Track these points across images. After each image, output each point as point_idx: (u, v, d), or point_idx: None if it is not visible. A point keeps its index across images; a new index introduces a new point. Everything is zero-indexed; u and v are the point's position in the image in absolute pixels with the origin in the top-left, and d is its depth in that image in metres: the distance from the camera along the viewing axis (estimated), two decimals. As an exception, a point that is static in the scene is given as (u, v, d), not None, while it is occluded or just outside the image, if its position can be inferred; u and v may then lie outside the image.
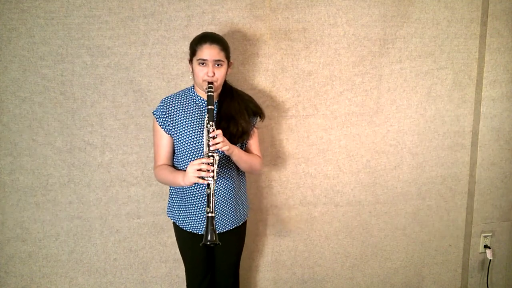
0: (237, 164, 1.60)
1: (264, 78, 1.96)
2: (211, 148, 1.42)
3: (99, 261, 1.97)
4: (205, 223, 1.44)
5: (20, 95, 1.78)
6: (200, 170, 1.40)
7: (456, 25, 2.10)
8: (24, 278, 1.93)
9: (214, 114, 1.50)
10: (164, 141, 1.61)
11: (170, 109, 1.59)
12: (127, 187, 1.93)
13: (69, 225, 1.92)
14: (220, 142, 1.42)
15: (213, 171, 1.40)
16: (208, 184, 1.40)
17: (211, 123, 1.44)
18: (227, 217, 1.66)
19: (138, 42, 1.82)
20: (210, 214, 1.37)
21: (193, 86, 1.65)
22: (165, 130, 1.59)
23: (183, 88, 1.77)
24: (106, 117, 1.86)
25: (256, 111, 1.69)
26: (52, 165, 1.85)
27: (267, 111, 1.94)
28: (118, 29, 1.79)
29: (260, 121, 1.72)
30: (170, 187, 1.70)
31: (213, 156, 1.42)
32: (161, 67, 1.85)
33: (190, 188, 1.60)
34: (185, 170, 1.46)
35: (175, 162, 1.65)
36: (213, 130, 1.43)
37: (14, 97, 1.78)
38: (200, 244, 1.37)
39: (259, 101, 1.83)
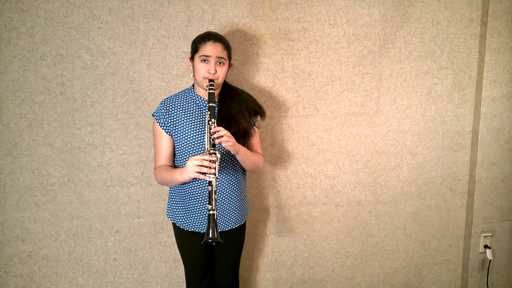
0: (242, 163, 1.60)
1: (264, 78, 1.96)
2: (216, 142, 1.41)
3: (99, 261, 1.97)
4: (206, 221, 1.43)
5: (20, 95, 1.78)
6: (201, 166, 1.39)
7: (456, 25, 2.10)
8: (24, 278, 1.93)
9: (215, 113, 1.50)
10: (165, 142, 1.60)
11: (170, 109, 1.59)
12: (127, 187, 1.93)
13: (69, 225, 1.92)
14: (224, 135, 1.41)
15: (214, 168, 1.39)
16: (210, 182, 1.39)
17: (212, 120, 1.44)
18: (231, 216, 1.66)
19: (138, 42, 1.82)
20: (211, 212, 1.36)
21: (193, 86, 1.65)
22: (166, 130, 1.59)
23: (183, 88, 1.77)
24: (106, 117, 1.86)
25: (256, 110, 1.69)
26: (52, 165, 1.85)
27: (267, 111, 1.94)
28: (118, 29, 1.79)
29: (261, 119, 1.72)
30: (170, 186, 1.70)
31: (215, 153, 1.41)
32: (161, 67, 1.85)
33: (190, 186, 1.60)
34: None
35: (176, 163, 1.65)
36: (215, 127, 1.42)
37: (14, 97, 1.78)
38: (202, 242, 1.36)
39: (260, 101, 1.83)
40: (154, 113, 1.61)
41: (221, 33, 1.77)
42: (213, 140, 1.42)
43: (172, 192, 1.70)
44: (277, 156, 2.05)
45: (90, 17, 1.77)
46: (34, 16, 1.73)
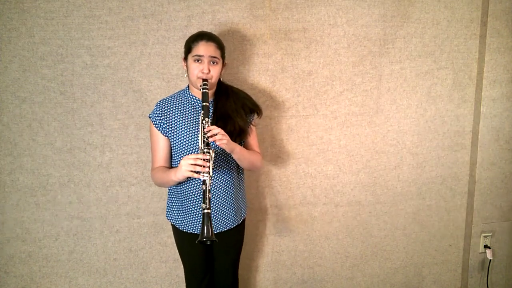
0: (238, 162, 1.60)
1: (264, 78, 1.96)
2: (210, 140, 1.41)
3: (99, 261, 1.97)
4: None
5: (20, 95, 1.78)
6: (195, 165, 1.39)
7: (456, 25, 2.10)
8: (24, 278, 1.93)
9: (210, 112, 1.50)
10: (161, 143, 1.60)
11: (165, 111, 1.59)
12: (127, 187, 1.93)
13: (69, 225, 1.92)
14: (218, 133, 1.40)
15: (208, 167, 1.39)
16: (204, 181, 1.39)
17: (206, 119, 1.43)
18: (228, 216, 1.66)
19: (138, 42, 1.82)
20: (206, 211, 1.36)
21: (188, 86, 1.65)
22: (162, 132, 1.59)
23: (183, 88, 1.77)
24: (106, 117, 1.86)
25: (252, 108, 1.68)
26: (52, 165, 1.85)
27: (267, 111, 1.95)
28: (118, 29, 1.79)
29: (257, 118, 1.72)
30: (169, 188, 1.70)
31: (208, 152, 1.41)
32: (161, 67, 1.85)
33: (187, 188, 1.60)
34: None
35: (172, 164, 1.64)
36: (208, 126, 1.42)
37: (14, 97, 1.78)
38: (196, 241, 1.35)
39: (259, 101, 1.83)
40: (150, 114, 1.61)
41: (221, 33, 1.77)
42: (206, 139, 1.42)
43: (171, 194, 1.70)
44: (277, 156, 2.05)
45: (90, 17, 1.77)
46: (34, 16, 1.73)
